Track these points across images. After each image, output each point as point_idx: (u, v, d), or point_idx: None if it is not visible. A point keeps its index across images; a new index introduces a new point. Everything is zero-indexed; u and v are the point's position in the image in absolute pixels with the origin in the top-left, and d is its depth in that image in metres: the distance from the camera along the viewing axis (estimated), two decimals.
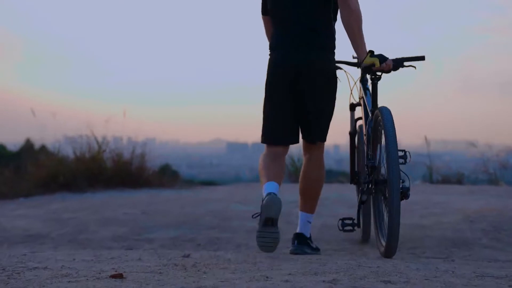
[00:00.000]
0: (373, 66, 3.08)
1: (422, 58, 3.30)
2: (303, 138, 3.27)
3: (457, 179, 6.80)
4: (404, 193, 2.86)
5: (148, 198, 5.33)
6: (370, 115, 3.17)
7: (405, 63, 3.25)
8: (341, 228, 3.23)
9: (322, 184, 3.30)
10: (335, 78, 3.21)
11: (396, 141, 2.80)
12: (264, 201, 2.82)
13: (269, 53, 3.27)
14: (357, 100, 3.49)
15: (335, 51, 3.22)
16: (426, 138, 7.44)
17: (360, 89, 3.38)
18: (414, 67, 3.29)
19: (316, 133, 3.22)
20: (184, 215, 4.54)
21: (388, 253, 2.81)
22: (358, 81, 3.38)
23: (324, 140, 3.27)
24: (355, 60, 3.39)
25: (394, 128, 2.85)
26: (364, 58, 3.08)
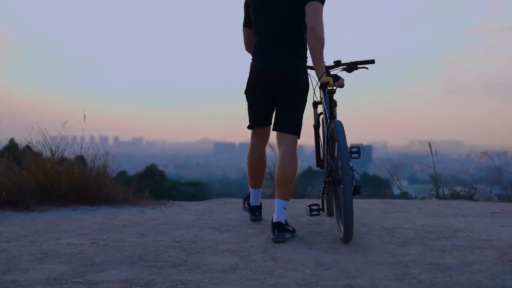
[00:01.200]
0: (328, 84, 3.74)
1: (372, 61, 3.97)
2: (276, 129, 3.90)
3: (468, 194, 5.91)
4: (357, 190, 3.50)
5: (103, 221, 4.35)
6: (328, 121, 3.81)
7: (358, 66, 3.97)
8: (308, 213, 3.82)
9: (295, 174, 3.82)
10: (306, 82, 3.86)
11: (347, 152, 3.50)
12: (250, 216, 4.28)
13: (251, 58, 3.95)
14: (319, 99, 4.07)
15: (307, 58, 3.86)
16: (430, 146, 6.53)
17: (320, 92, 3.96)
18: (367, 68, 4.00)
19: (288, 124, 3.85)
20: (143, 247, 3.60)
21: (346, 240, 3.52)
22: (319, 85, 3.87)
23: (295, 133, 3.87)
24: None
25: (345, 141, 3.53)
26: (321, 76, 3.71)
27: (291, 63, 3.81)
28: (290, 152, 3.82)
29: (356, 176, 3.55)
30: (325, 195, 3.84)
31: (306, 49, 3.84)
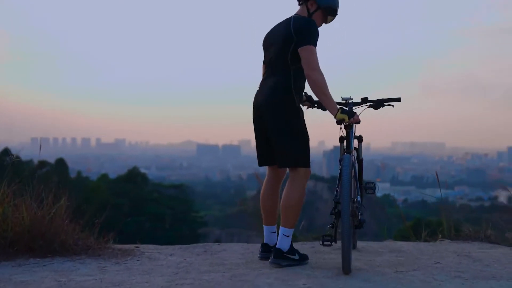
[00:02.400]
0: (344, 122, 3.84)
1: (398, 99, 4.16)
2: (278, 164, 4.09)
3: (484, 235, 5.14)
4: (360, 224, 3.95)
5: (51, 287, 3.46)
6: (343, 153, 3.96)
7: (385, 104, 4.19)
8: (321, 243, 3.89)
9: (296, 204, 3.92)
10: (291, 114, 3.92)
11: (348, 185, 3.70)
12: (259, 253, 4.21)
13: None
14: (345, 134, 4.08)
15: (292, 90, 3.92)
16: (437, 177, 5.77)
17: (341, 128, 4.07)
18: (392, 105, 4.22)
19: (281, 159, 3.99)
20: None
21: (344, 271, 3.70)
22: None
23: (293, 165, 3.96)
24: (343, 102, 4.19)
25: (348, 175, 3.73)
26: (336, 115, 3.82)
27: (271, 95, 3.94)
28: (292, 182, 3.96)
29: (362, 209, 3.90)
30: (330, 226, 3.95)
31: (291, 80, 3.93)
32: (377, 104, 4.19)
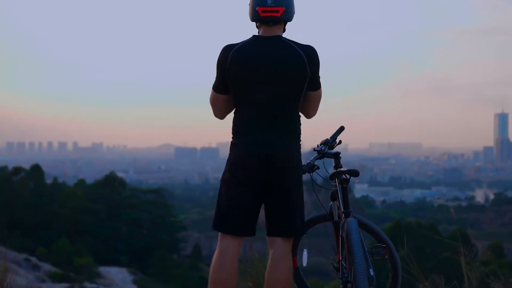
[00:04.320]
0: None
1: (342, 128, 3.65)
2: (270, 233, 3.17)
3: None
4: None
5: None
6: (343, 216, 3.24)
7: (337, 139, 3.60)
8: None
9: (289, 280, 3.12)
10: (299, 168, 3.19)
11: (362, 261, 2.93)
12: None
13: (232, 138, 3.19)
14: (339, 189, 3.40)
15: (300, 138, 3.22)
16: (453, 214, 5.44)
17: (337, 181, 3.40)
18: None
19: (285, 227, 3.14)
20: None
21: None
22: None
23: (291, 236, 3.18)
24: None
25: (360, 246, 2.98)
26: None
27: (289, 147, 3.14)
28: (282, 254, 3.14)
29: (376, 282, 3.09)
30: None
31: (300, 126, 3.23)
32: (334, 143, 3.57)
